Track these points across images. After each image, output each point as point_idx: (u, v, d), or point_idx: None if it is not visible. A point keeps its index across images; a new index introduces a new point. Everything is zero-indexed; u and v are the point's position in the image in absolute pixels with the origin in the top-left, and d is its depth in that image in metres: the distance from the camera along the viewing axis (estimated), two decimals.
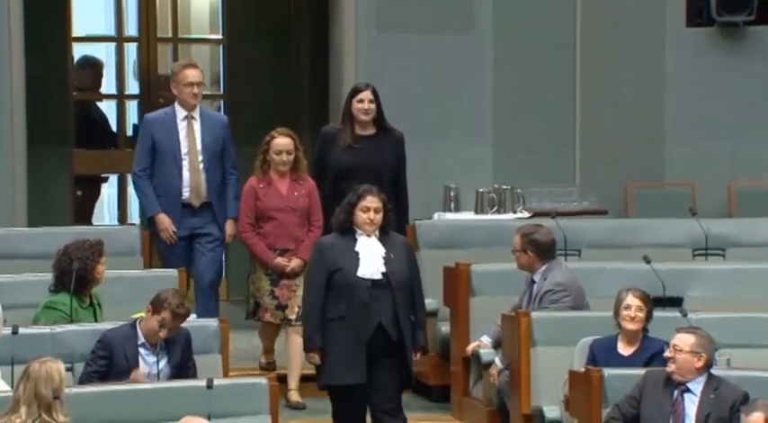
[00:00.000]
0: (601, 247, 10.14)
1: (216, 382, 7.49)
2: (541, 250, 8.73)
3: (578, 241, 9.83)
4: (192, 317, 8.46)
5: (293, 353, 9.15)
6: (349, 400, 8.02)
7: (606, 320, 8.17)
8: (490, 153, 11.90)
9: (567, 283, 8.68)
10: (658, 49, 12.01)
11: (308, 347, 8.04)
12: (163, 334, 7.85)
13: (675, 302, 8.91)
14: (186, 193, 9.28)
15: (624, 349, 8.08)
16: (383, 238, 8.02)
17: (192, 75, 9.24)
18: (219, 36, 13.32)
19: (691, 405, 7.41)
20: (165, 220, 9.25)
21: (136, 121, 13.00)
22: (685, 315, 8.34)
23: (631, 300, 8.03)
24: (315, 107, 12.73)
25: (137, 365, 7.85)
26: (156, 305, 7.86)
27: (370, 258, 7.94)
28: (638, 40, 11.95)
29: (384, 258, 7.94)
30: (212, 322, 8.44)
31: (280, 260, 9.16)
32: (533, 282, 8.76)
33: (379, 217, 7.98)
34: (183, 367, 7.93)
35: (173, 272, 9.16)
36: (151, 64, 12.78)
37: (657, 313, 8.21)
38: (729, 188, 11.96)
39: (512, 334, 8.62)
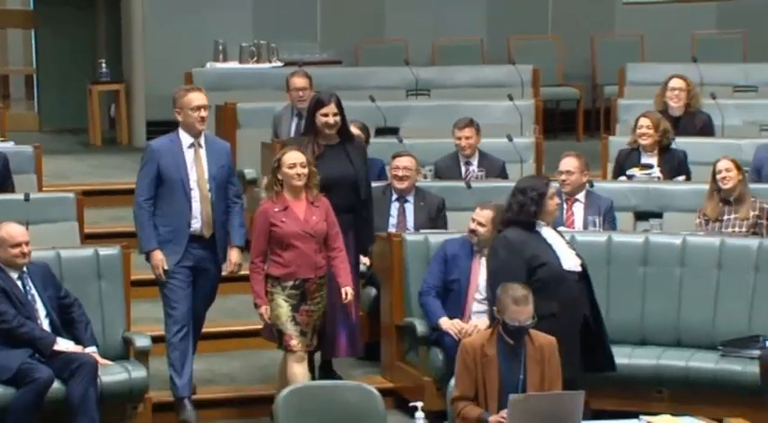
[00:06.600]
0: (338, 89, 10.08)
1: (32, 195, 7.49)
2: None
3: (321, 85, 9.83)
4: (10, 144, 8.24)
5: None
6: None
7: None
8: (250, 14, 11.79)
9: None
10: None
11: None
12: None
13: (394, 131, 9.14)
14: (196, 224, 6.96)
15: None
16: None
17: (197, 98, 6.98)
18: None
19: (410, 213, 7.72)
20: (158, 259, 6.93)
21: None
22: (401, 141, 8.58)
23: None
24: None
25: None
26: None
27: (564, 250, 6.16)
28: None
29: (573, 249, 6.22)
30: (27, 148, 8.34)
31: (264, 313, 6.71)
32: (300, 117, 8.79)
33: None
34: (1, 184, 7.74)
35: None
36: None
37: (380, 140, 8.44)
38: (433, 43, 12.12)
39: (270, 159, 8.63)
